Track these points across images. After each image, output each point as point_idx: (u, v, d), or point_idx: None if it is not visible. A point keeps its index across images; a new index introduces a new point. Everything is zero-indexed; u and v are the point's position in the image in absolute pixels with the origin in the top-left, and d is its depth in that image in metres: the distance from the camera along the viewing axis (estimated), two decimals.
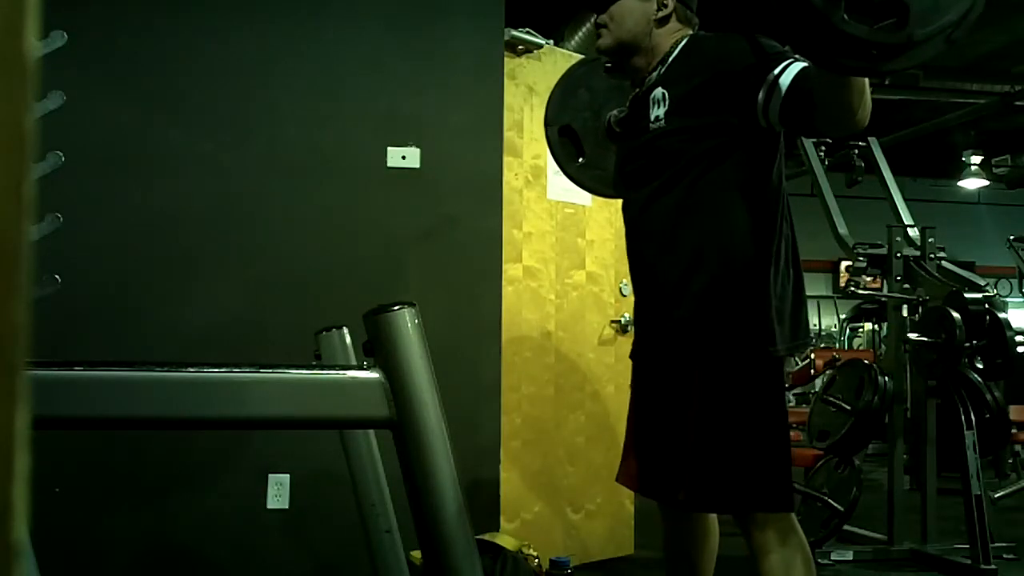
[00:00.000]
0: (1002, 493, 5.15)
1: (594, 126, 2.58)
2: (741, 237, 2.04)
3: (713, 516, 2.31)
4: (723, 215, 2.05)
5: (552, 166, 3.84)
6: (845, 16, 1.50)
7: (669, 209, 2.09)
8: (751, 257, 2.04)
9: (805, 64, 1.89)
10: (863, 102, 1.79)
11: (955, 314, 4.05)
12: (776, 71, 1.92)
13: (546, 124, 2.71)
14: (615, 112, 2.41)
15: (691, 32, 2.20)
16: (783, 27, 1.65)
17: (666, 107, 2.08)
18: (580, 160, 2.61)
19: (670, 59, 2.14)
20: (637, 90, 2.22)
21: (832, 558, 4.17)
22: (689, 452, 2.06)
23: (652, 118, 2.11)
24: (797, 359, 8.09)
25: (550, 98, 2.73)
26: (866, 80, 1.79)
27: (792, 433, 5.65)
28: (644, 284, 2.22)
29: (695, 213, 2.06)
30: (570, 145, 2.62)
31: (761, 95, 1.93)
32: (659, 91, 2.11)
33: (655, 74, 2.15)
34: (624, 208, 2.27)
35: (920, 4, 1.53)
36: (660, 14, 2.14)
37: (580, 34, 5.42)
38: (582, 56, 4.20)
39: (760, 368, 2.05)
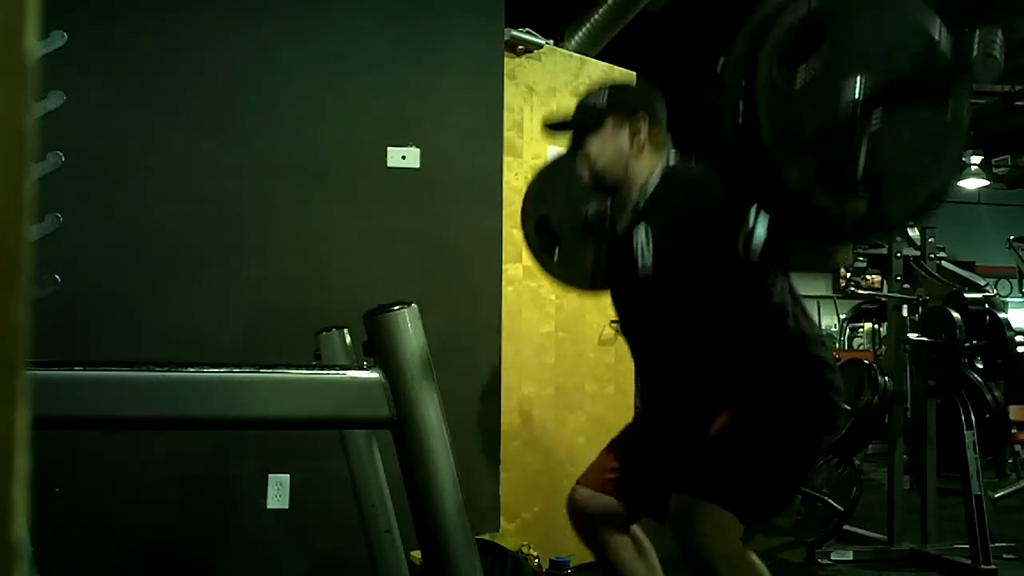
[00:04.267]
0: (1002, 493, 5.16)
1: (571, 220, 2.58)
2: (752, 351, 2.12)
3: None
4: (730, 336, 2.12)
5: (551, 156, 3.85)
6: (819, 194, 1.57)
7: (675, 346, 2.18)
8: (760, 374, 2.11)
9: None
10: (836, 252, 1.86)
11: (955, 314, 4.05)
12: (751, 221, 1.95)
13: (523, 218, 2.72)
14: (593, 208, 2.45)
15: (667, 156, 2.24)
16: (758, 199, 1.72)
17: (651, 254, 2.14)
18: (556, 253, 2.62)
19: (647, 196, 2.19)
20: (618, 223, 2.27)
21: (832, 558, 4.17)
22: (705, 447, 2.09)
23: (640, 265, 2.17)
24: None
25: (528, 190, 2.75)
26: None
27: None
28: (662, 395, 2.30)
29: (706, 341, 2.13)
30: (546, 238, 2.63)
31: (740, 243, 1.97)
32: (642, 236, 2.16)
33: (634, 210, 2.20)
34: (624, 330, 2.36)
35: (892, 182, 1.60)
36: (635, 146, 2.19)
37: (580, 34, 5.42)
38: (582, 57, 4.20)
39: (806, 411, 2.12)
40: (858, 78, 1.58)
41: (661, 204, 2.16)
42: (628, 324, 2.34)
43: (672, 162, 2.24)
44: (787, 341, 2.12)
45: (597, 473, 2.33)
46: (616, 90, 2.25)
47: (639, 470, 2.27)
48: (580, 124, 2.23)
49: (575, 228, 2.54)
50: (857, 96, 1.57)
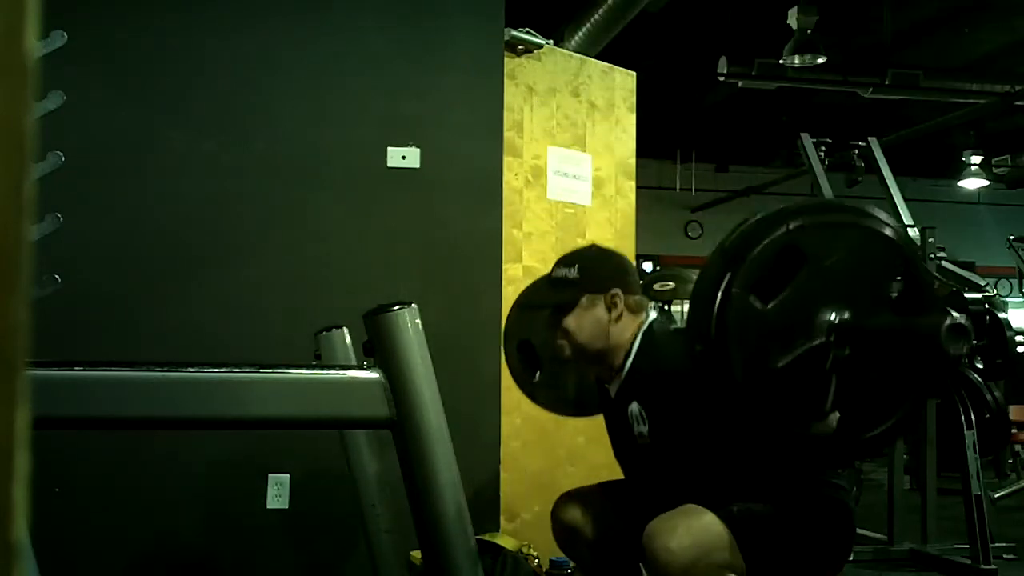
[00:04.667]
0: (1002, 493, 5.16)
1: (553, 344, 2.58)
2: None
3: None
4: (739, 482, 2.08)
5: (552, 166, 3.84)
6: (791, 424, 1.62)
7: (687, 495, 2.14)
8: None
9: None
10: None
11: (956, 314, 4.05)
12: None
13: (504, 339, 2.71)
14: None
15: (643, 318, 2.23)
16: (730, 425, 1.76)
17: (647, 424, 2.14)
18: (537, 376, 2.61)
19: (630, 361, 2.20)
20: (608, 386, 2.27)
21: None
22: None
23: (637, 434, 2.17)
24: None
25: (510, 312, 2.74)
26: None
27: None
28: None
29: (712, 492, 2.08)
30: (527, 361, 2.62)
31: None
32: (634, 406, 2.17)
33: (622, 375, 2.21)
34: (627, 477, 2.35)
35: (863, 411, 1.67)
36: (613, 315, 2.19)
37: (580, 34, 5.42)
38: (582, 57, 4.20)
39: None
40: (832, 314, 1.61)
41: (646, 372, 2.18)
42: (633, 474, 2.34)
43: (652, 316, 2.24)
44: (804, 486, 2.09)
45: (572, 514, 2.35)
46: (585, 267, 2.22)
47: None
48: (556, 302, 2.23)
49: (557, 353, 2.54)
50: (831, 330, 1.61)
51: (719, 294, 1.64)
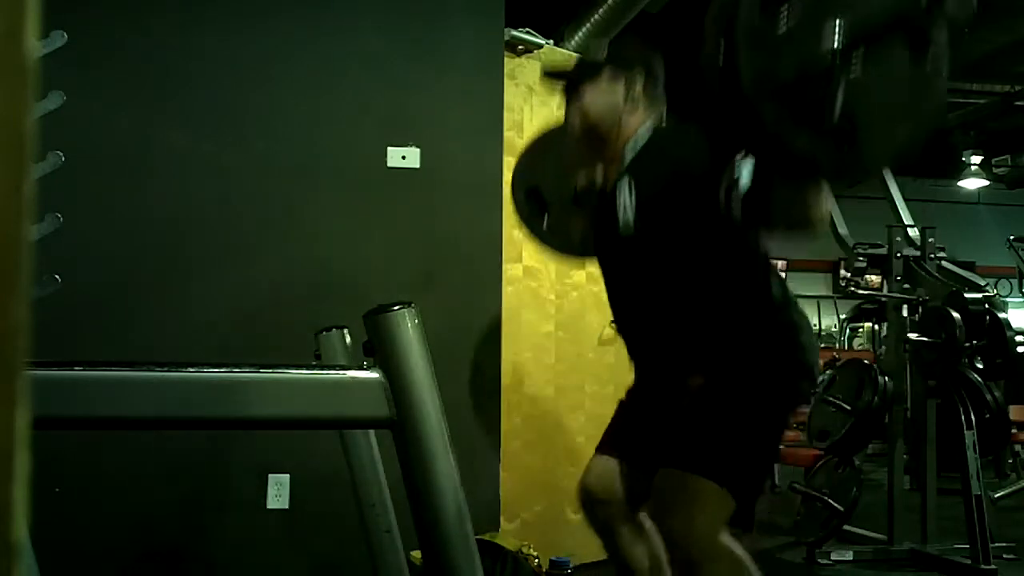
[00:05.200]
0: (1002, 493, 5.16)
1: (561, 189, 2.58)
2: (734, 309, 2.11)
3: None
4: (712, 295, 2.11)
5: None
6: (797, 135, 1.57)
7: (654, 300, 2.17)
8: (752, 320, 2.10)
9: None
10: (818, 207, 1.86)
11: (955, 314, 4.05)
12: (737, 173, 1.95)
13: (512, 186, 2.72)
14: (583, 178, 2.44)
15: (660, 115, 2.23)
16: (738, 137, 1.72)
17: (633, 211, 2.13)
18: (545, 222, 2.62)
19: (634, 152, 2.19)
20: (603, 178, 2.27)
21: (832, 558, 4.17)
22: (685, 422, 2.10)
23: (622, 223, 2.16)
24: None
25: (518, 160, 2.74)
26: (822, 192, 1.86)
27: (792, 433, 5.65)
28: (644, 359, 2.31)
29: (685, 302, 2.12)
30: (536, 207, 2.63)
31: (722, 195, 1.96)
32: (625, 192, 2.16)
33: (623, 163, 2.20)
34: (608, 293, 2.34)
35: (869, 125, 1.62)
36: (629, 100, 2.19)
37: (580, 34, 5.42)
38: (581, 57, 4.20)
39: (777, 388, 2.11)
40: (837, 22, 1.58)
41: (647, 161, 2.16)
42: (609, 280, 2.33)
43: (664, 121, 2.24)
44: (762, 302, 2.11)
45: (601, 443, 2.36)
46: (615, 44, 2.25)
47: (633, 431, 2.28)
48: (577, 73, 2.23)
49: (565, 196, 2.54)
50: (836, 39, 1.58)
51: (727, 14, 1.63)
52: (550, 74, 2.43)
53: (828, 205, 1.88)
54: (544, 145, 2.70)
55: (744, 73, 1.60)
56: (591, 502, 2.33)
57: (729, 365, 2.09)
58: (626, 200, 2.15)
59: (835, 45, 1.59)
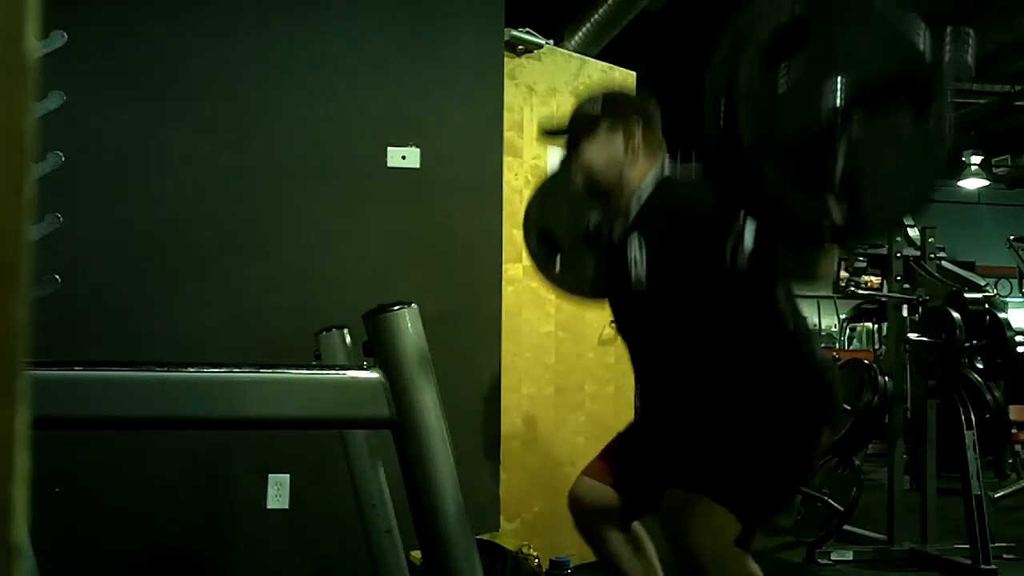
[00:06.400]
0: (1002, 493, 5.16)
1: (573, 231, 2.58)
2: (752, 356, 2.10)
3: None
4: (729, 344, 2.10)
5: (552, 166, 3.84)
6: (798, 199, 1.58)
7: (673, 353, 2.17)
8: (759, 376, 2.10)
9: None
10: (823, 263, 1.87)
11: (955, 314, 4.05)
12: (737, 231, 1.95)
13: (524, 229, 2.72)
14: (594, 220, 2.46)
15: (661, 164, 2.22)
16: (741, 203, 1.73)
17: (644, 265, 2.14)
18: (558, 264, 2.62)
19: (640, 203, 2.19)
20: (613, 230, 2.27)
21: (832, 558, 4.17)
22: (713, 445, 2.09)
23: (633, 279, 2.17)
24: None
25: (529, 201, 2.74)
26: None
27: None
28: (658, 400, 2.31)
29: (701, 349, 2.12)
30: (549, 249, 2.63)
31: (728, 253, 1.97)
32: (635, 247, 2.16)
33: (628, 218, 2.20)
34: (623, 337, 2.35)
35: (871, 187, 1.62)
36: (629, 151, 2.19)
37: (580, 34, 5.42)
38: (582, 57, 4.20)
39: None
40: (838, 82, 1.58)
41: (654, 214, 2.16)
42: (626, 330, 2.35)
43: (667, 168, 2.24)
44: (786, 344, 2.12)
45: (596, 469, 2.34)
46: (610, 96, 2.26)
47: (637, 466, 2.27)
48: (575, 130, 2.23)
49: (576, 238, 2.54)
50: (837, 101, 1.58)
51: (727, 72, 1.62)
52: (548, 132, 2.44)
53: (832, 261, 1.88)
54: (553, 186, 2.70)
55: (744, 134, 1.60)
56: (582, 512, 2.33)
57: (753, 401, 2.08)
58: (636, 256, 2.16)
59: (836, 105, 1.58)
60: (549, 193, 2.60)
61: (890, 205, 1.66)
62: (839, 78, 1.59)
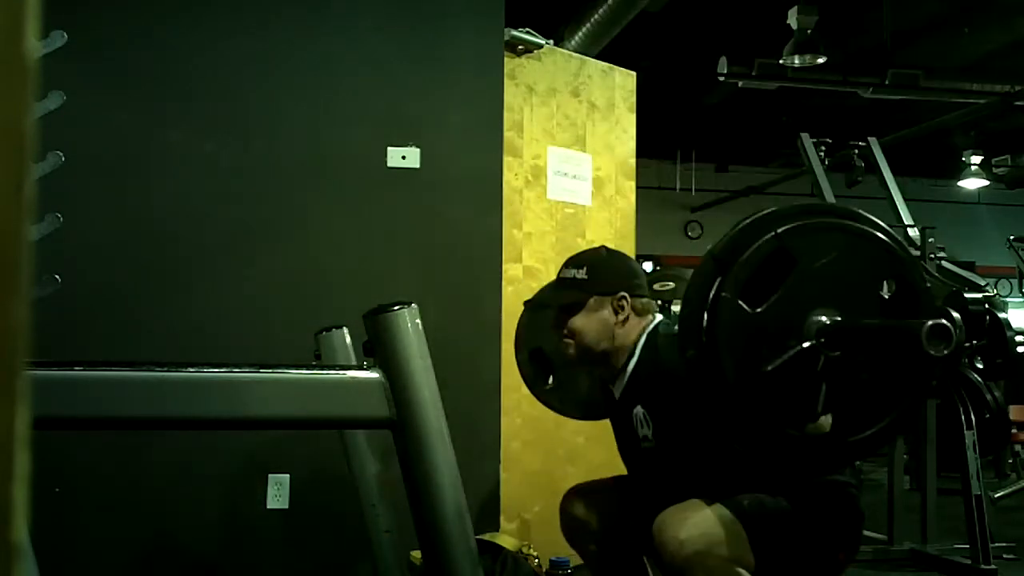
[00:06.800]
0: (1002, 493, 5.16)
1: (559, 343, 2.58)
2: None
3: None
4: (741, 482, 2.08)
5: (552, 166, 3.84)
6: (780, 437, 1.62)
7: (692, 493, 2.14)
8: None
9: None
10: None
11: (955, 314, 4.05)
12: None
13: (516, 348, 2.72)
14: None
15: (649, 320, 2.23)
16: (724, 428, 1.77)
17: (651, 427, 2.16)
18: (550, 382, 2.62)
19: (633, 363, 2.20)
20: (611, 389, 2.28)
21: None
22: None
23: (641, 436, 2.19)
24: None
25: (520, 321, 2.74)
26: None
27: None
28: None
29: (717, 493, 2.08)
30: (539, 368, 2.63)
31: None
32: (639, 409, 2.18)
33: (624, 377, 2.22)
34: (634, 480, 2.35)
35: (854, 414, 1.68)
36: (619, 318, 2.20)
37: (580, 34, 5.42)
38: (582, 57, 4.20)
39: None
40: (822, 317, 1.62)
41: (651, 379, 2.18)
42: (635, 474, 2.36)
43: (657, 320, 2.24)
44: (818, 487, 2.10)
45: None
46: (594, 268, 2.22)
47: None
48: (564, 305, 2.23)
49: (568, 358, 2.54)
50: (820, 332, 1.62)
51: (709, 299, 1.65)
52: (533, 306, 2.45)
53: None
54: (542, 302, 2.69)
55: (727, 365, 1.63)
56: (576, 528, 2.34)
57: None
58: (640, 417, 2.19)
59: (818, 340, 1.62)
60: (538, 304, 2.59)
61: (879, 429, 1.72)
62: (823, 313, 1.64)
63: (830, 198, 4.82)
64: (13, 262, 0.38)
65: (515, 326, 2.77)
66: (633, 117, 4.16)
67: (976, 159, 10.48)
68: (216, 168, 3.24)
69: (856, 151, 5.03)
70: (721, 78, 7.13)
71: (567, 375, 2.57)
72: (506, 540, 3.08)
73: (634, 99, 4.17)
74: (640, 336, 2.20)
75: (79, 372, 1.26)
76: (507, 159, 3.62)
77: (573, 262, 2.27)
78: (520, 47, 3.79)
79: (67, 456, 2.87)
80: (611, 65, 4.17)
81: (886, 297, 1.74)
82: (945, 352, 1.52)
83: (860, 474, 4.38)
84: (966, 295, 4.11)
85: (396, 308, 1.43)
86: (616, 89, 4.11)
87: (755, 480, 2.04)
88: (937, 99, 7.99)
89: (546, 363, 2.61)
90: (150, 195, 3.18)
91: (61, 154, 1.97)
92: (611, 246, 4.05)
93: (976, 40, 7.64)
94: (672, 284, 4.58)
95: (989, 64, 8.21)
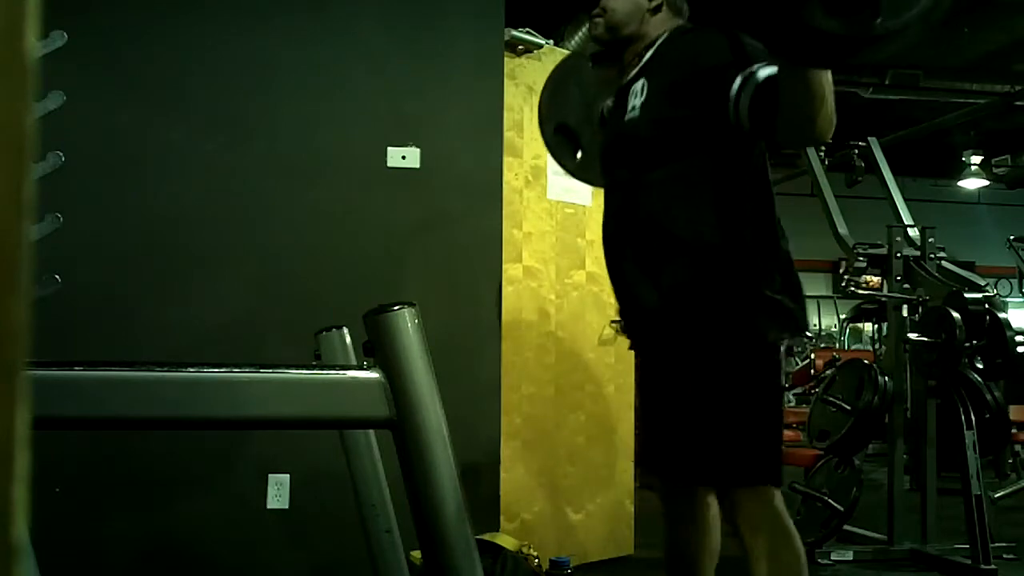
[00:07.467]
0: (1002, 493, 5.16)
1: (588, 120, 2.57)
2: (714, 228, 2.06)
3: (715, 515, 2.29)
4: (697, 207, 2.07)
5: (552, 166, 3.84)
6: (815, 10, 1.48)
7: (644, 201, 2.13)
8: (727, 247, 2.05)
9: (777, 69, 1.89)
10: (824, 112, 1.81)
11: (955, 314, 4.05)
12: (752, 68, 1.94)
13: (540, 123, 2.70)
14: (608, 103, 2.42)
15: (679, 23, 2.23)
16: (752, 22, 1.65)
17: (643, 98, 2.12)
18: (578, 155, 2.60)
19: (652, 50, 2.19)
20: (623, 80, 2.26)
21: (832, 558, 4.17)
22: (683, 426, 2.09)
23: (629, 108, 2.16)
24: (797, 359, 8.08)
25: (541, 97, 2.72)
26: (828, 92, 1.78)
27: (792, 433, 5.64)
28: (618, 276, 2.25)
29: (670, 206, 2.09)
30: (567, 142, 2.61)
31: (734, 87, 1.95)
32: (640, 82, 2.16)
33: (638, 64, 2.21)
34: (605, 197, 2.30)
35: None
36: (653, 4, 2.20)
37: (580, 34, 5.42)
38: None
39: (751, 353, 2.07)
40: None
41: (664, 57, 2.16)
42: (608, 179, 2.30)
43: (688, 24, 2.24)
44: (764, 225, 2.09)
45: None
46: None
47: (649, 438, 2.29)
48: None
49: (593, 126, 2.51)
50: None
51: None
52: None
53: (830, 117, 1.83)
54: (564, 77, 2.68)
55: None
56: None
57: (721, 292, 2.04)
58: (637, 91, 2.15)
59: None
60: (560, 84, 2.58)
61: (910, 14, 1.56)
62: None
63: (830, 198, 4.82)
64: (13, 262, 0.38)
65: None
66: None
67: (976, 159, 10.49)
68: (216, 168, 3.24)
69: (856, 151, 5.03)
70: None
71: (593, 146, 2.54)
72: (506, 540, 3.08)
73: None
74: (666, 32, 2.20)
75: (79, 372, 1.25)
76: (507, 159, 3.62)
77: None
78: (520, 47, 3.79)
79: (67, 456, 2.87)
80: None
81: None
82: None
83: (860, 474, 4.39)
84: (966, 295, 4.11)
85: (396, 308, 1.43)
86: None
87: (716, 186, 2.03)
88: (937, 99, 8.00)
89: (572, 136, 2.60)
90: (150, 195, 3.18)
91: (61, 154, 1.97)
92: None
93: (976, 40, 7.64)
94: None
95: (989, 64, 8.21)
